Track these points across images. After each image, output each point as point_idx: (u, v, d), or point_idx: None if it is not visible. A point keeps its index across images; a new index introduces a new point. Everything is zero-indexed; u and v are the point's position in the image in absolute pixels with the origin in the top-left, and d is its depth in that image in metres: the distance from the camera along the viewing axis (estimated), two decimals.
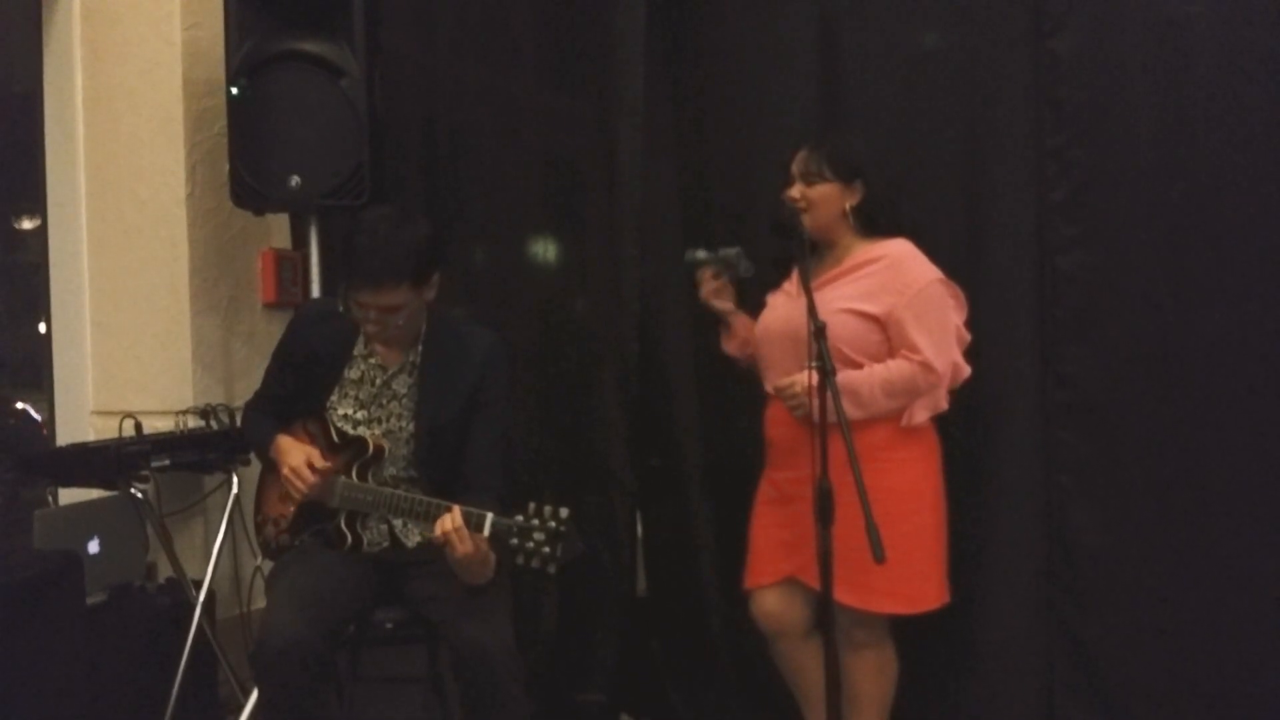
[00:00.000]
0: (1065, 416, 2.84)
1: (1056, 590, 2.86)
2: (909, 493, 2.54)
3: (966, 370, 2.58)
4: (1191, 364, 2.76)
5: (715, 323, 2.87)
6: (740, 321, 2.81)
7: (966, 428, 2.79)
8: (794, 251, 2.46)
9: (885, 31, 2.99)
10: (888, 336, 2.53)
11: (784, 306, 2.65)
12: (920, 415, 2.53)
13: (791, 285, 2.69)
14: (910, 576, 2.51)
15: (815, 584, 2.39)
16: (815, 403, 2.18)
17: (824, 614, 2.20)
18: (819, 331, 2.19)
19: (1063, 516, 2.84)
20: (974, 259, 2.90)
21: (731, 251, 2.72)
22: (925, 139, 2.97)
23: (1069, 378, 2.83)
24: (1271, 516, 2.71)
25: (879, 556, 1.99)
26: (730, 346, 2.86)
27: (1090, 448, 2.83)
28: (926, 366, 2.49)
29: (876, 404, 2.50)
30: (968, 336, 2.61)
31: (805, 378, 2.38)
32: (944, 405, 2.56)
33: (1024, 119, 2.86)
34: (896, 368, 2.50)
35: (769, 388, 2.66)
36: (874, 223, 2.61)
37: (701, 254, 2.75)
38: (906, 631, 2.67)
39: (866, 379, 2.50)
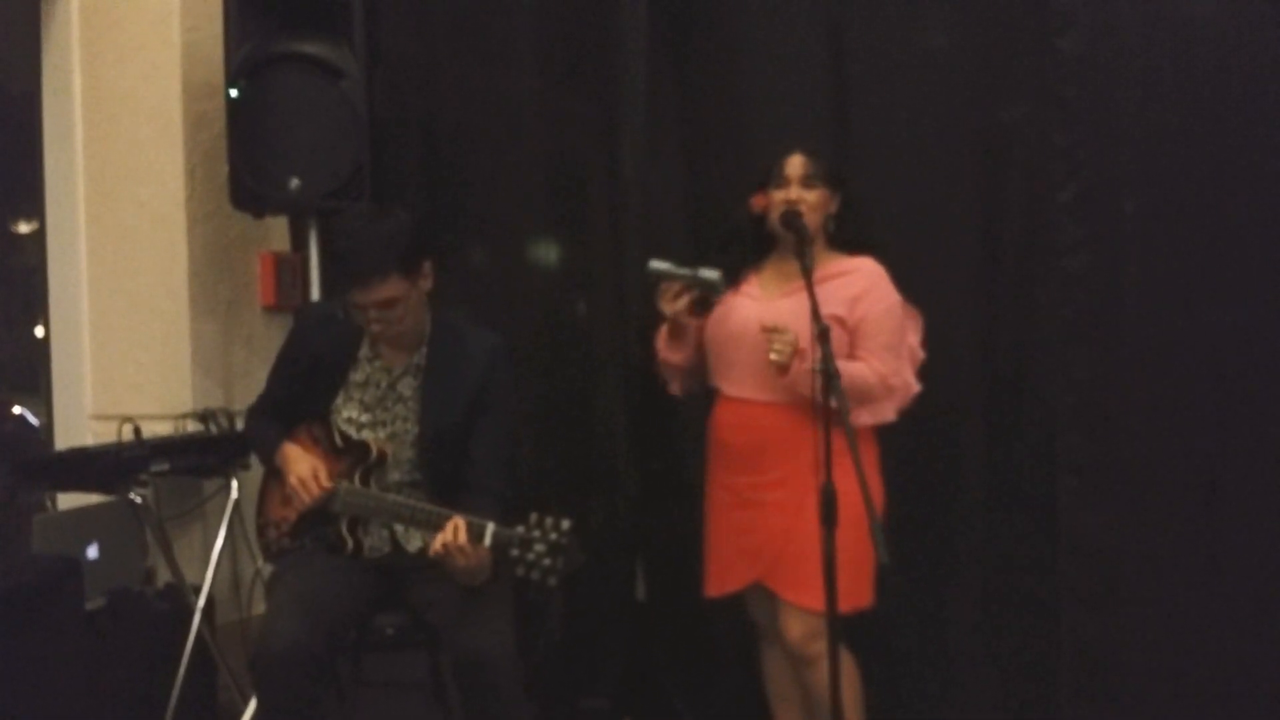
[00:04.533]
0: (1072, 418, 2.82)
1: (1063, 591, 2.84)
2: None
3: (916, 388, 2.60)
4: (1198, 365, 2.75)
5: (654, 327, 2.75)
6: (695, 330, 2.69)
7: (974, 428, 2.78)
8: (800, 251, 2.43)
9: (893, 31, 2.99)
10: (849, 342, 2.54)
11: (752, 308, 2.61)
12: (864, 419, 2.51)
13: (752, 288, 2.66)
14: (865, 575, 2.49)
15: (778, 589, 2.52)
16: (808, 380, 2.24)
17: (830, 620, 2.18)
18: (824, 334, 2.20)
19: (1070, 517, 2.83)
20: (981, 260, 2.91)
21: (714, 275, 2.54)
22: (932, 139, 2.96)
23: (1076, 379, 2.82)
24: (1278, 516, 2.70)
25: (883, 559, 2.02)
26: (679, 355, 2.71)
27: (1097, 449, 2.81)
28: (884, 380, 2.51)
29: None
30: (921, 356, 2.62)
31: (793, 336, 2.39)
32: (890, 417, 2.56)
33: (1031, 119, 2.85)
34: (860, 370, 2.48)
35: (725, 388, 2.63)
36: (846, 235, 2.62)
37: (669, 266, 2.57)
38: (908, 632, 2.65)
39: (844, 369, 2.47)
